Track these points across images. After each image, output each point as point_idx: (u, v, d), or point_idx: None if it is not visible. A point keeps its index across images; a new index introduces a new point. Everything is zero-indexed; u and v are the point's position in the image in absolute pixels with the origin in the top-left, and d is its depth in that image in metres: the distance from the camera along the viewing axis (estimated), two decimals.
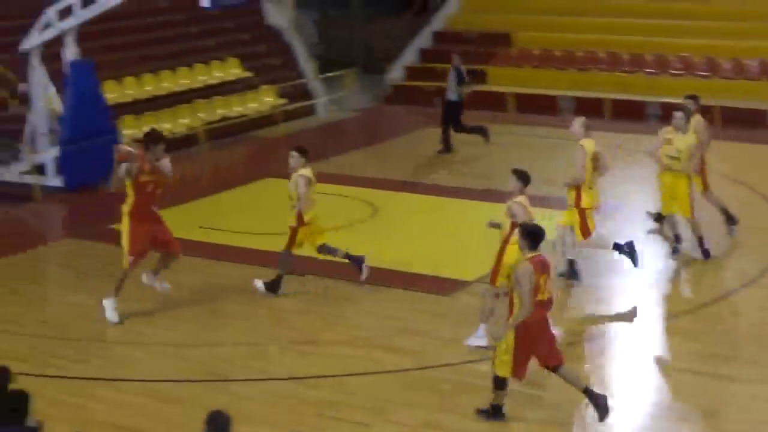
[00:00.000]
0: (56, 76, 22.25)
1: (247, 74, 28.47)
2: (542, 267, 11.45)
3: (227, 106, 27.03)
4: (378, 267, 16.60)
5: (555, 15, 31.08)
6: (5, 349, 14.07)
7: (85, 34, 22.78)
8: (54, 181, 21.79)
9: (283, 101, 27.98)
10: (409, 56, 31.89)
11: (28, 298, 15.97)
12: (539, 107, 28.11)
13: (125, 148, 15.36)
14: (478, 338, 13.65)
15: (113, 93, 25.14)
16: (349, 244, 16.85)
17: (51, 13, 21.62)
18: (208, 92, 27.22)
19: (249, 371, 13.34)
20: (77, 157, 21.70)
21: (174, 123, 25.61)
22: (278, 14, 30.35)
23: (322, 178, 19.89)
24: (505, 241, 13.44)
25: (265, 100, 28.01)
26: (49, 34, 21.73)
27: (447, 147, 24.03)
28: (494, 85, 29.48)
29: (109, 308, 14.93)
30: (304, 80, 30.04)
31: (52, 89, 22.18)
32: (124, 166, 14.76)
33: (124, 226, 14.95)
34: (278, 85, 28.31)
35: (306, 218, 15.54)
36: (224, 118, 26.56)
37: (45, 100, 22.23)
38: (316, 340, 14.29)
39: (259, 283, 15.65)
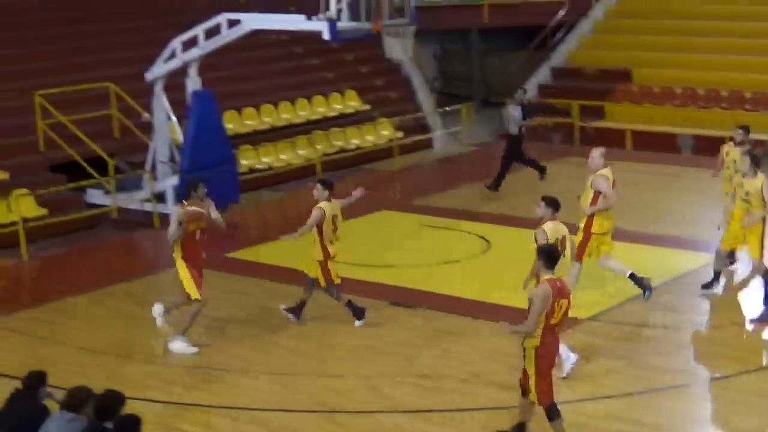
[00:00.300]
0: (178, 105, 22.65)
1: (365, 107, 28.71)
2: (560, 292, 11.37)
3: (344, 138, 27.26)
4: (489, 302, 16.62)
5: (676, 52, 30.79)
6: (120, 374, 14.32)
7: (208, 64, 23.19)
8: (172, 209, 22.07)
9: (399, 134, 28.11)
10: (528, 92, 31.75)
11: (143, 324, 16.21)
12: (657, 145, 27.82)
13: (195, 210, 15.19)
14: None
15: (233, 123, 25.57)
16: (461, 279, 16.90)
17: (176, 43, 22.07)
18: (326, 124, 27.50)
19: (359, 403, 13.35)
20: None
21: (292, 154, 25.91)
22: (398, 48, 30.56)
23: (437, 212, 20.06)
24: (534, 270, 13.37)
25: (382, 133, 28.17)
26: (173, 65, 22.17)
27: (497, 184, 23.77)
28: (612, 122, 29.29)
29: (181, 346, 15.03)
30: (422, 114, 30.18)
31: (174, 119, 22.60)
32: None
33: (182, 271, 15.04)
34: (396, 118, 28.46)
35: (331, 251, 15.56)
36: (341, 150, 26.78)
37: (167, 129, 22.67)
38: (428, 374, 14.26)
39: (283, 307, 15.89)
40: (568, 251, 14.09)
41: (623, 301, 16.68)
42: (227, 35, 21.41)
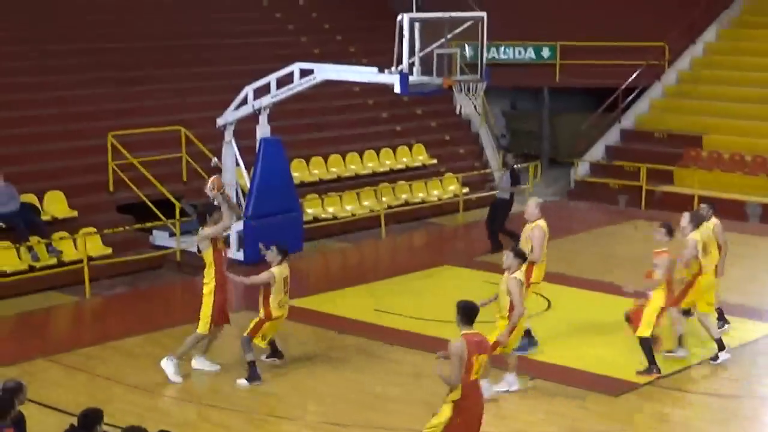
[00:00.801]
0: (247, 152, 22.85)
1: (432, 161, 28.78)
2: (477, 346, 11.41)
3: (410, 192, 27.31)
4: (548, 362, 16.55)
5: (748, 119, 30.57)
6: (174, 414, 14.39)
7: (278, 112, 23.40)
8: (235, 254, 22.25)
9: (465, 190, 28.10)
10: (596, 152, 31.73)
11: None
12: (725, 212, 27.48)
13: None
14: None
15: (299, 172, 25.73)
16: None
17: (248, 90, 22.29)
18: (392, 176, 27.59)
19: None
20: (259, 233, 22.13)
21: (357, 205, 26.00)
22: (468, 103, 30.56)
23: (499, 269, 19.97)
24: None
25: (448, 188, 28.20)
26: (244, 111, 22.38)
27: (496, 245, 23.33)
28: (680, 186, 29.09)
29: (170, 368, 15.72)
30: (489, 170, 30.18)
31: (242, 164, 22.78)
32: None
33: (209, 297, 15.85)
34: (462, 173, 28.47)
35: (275, 314, 15.83)
36: (406, 203, 26.84)
37: (234, 174, 22.85)
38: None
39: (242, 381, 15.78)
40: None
41: (685, 368, 16.50)
42: (299, 84, 21.59)
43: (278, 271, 15.85)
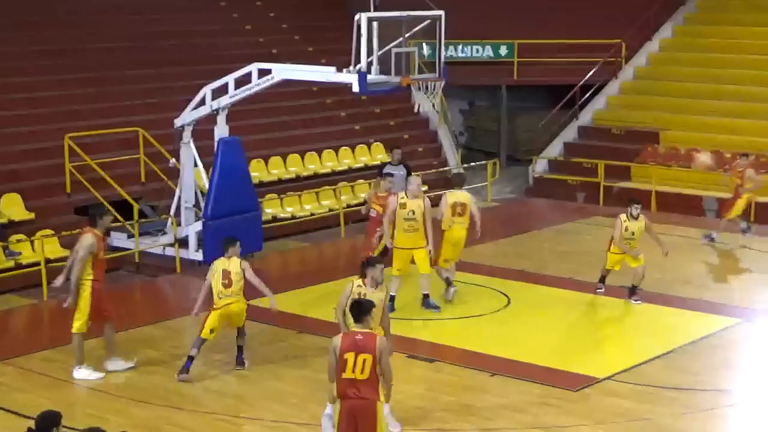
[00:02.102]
0: (205, 152, 22.79)
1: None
2: (352, 345, 11.32)
3: (369, 190, 27.25)
4: (508, 358, 16.63)
5: (704, 115, 30.81)
6: (135, 416, 14.34)
7: (236, 113, 23.35)
8: (194, 255, 22.22)
9: (424, 188, 28.04)
10: (554, 149, 31.90)
11: (160, 369, 16.25)
12: (682, 207, 27.77)
13: None
14: None
15: (258, 172, 25.70)
16: (481, 334, 16.85)
17: (206, 91, 22.23)
18: (352, 175, 27.61)
19: None
20: (219, 233, 22.07)
21: (316, 204, 26.01)
22: (426, 102, 30.59)
23: (459, 267, 20.06)
24: None
25: None
26: (202, 112, 22.31)
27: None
28: (638, 182, 29.27)
29: (83, 374, 15.93)
30: (447, 168, 30.26)
31: (200, 165, 22.72)
32: None
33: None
34: (420, 172, 28.46)
35: (215, 304, 16.04)
36: (366, 202, 26.79)
37: (193, 175, 22.79)
38: (445, 428, 14.25)
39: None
40: None
41: (643, 362, 16.63)
42: (257, 84, 21.52)
43: (217, 262, 16.07)
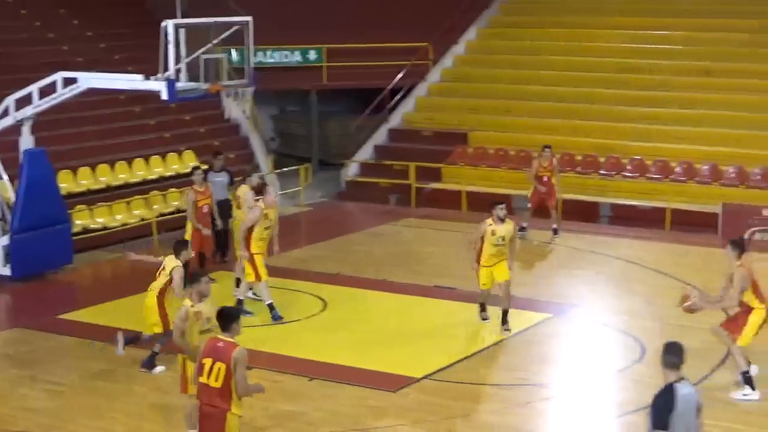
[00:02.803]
0: (11, 164, 22.23)
1: (203, 167, 28.49)
2: (212, 351, 11.30)
3: (181, 199, 27.00)
4: (326, 362, 16.66)
5: (510, 115, 31.46)
6: None
7: (42, 123, 22.84)
8: (2, 269, 21.64)
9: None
10: (365, 152, 32.11)
11: None
12: (492, 206, 28.17)
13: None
14: None
15: (67, 183, 25.16)
16: (298, 338, 16.85)
17: (9, 101, 21.66)
18: (163, 184, 27.27)
19: None
20: (27, 247, 21.61)
21: (127, 214, 25.61)
22: (236, 108, 30.54)
23: (274, 272, 20.02)
24: None
25: None
26: (6, 123, 21.74)
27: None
28: (449, 183, 29.68)
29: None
30: (260, 174, 30.08)
31: (5, 177, 22.14)
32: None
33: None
34: (234, 178, 28.30)
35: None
36: (178, 210, 26.54)
37: None
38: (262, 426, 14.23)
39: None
40: None
41: (460, 359, 16.87)
42: (62, 94, 21.11)
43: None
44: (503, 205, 18.42)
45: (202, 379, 11.29)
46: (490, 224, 18.24)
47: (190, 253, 17.00)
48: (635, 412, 14.41)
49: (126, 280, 22.61)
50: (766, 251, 24.21)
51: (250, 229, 18.72)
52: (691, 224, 25.95)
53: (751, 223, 25.00)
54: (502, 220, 18.22)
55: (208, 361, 11.26)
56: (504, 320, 18.08)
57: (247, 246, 18.70)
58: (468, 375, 16.27)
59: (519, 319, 18.63)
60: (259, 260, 18.76)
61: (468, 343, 17.65)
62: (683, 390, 9.99)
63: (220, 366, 11.18)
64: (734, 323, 15.42)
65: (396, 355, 17.29)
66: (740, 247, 15.36)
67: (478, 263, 18.11)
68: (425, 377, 16.08)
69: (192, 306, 13.36)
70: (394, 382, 15.91)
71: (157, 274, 16.23)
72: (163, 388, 15.81)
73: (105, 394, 15.64)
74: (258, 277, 18.83)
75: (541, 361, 17.04)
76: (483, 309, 18.49)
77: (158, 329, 16.19)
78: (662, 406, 9.93)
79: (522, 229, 24.26)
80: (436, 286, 20.86)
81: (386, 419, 14.64)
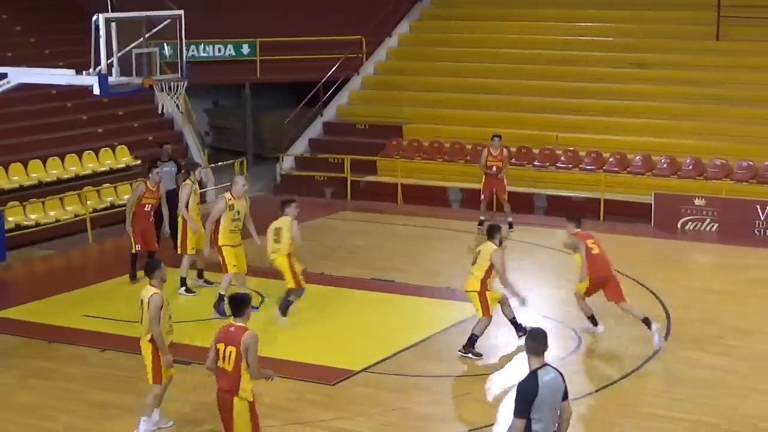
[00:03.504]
0: None
1: (136, 162, 28.36)
2: (224, 336, 11.81)
3: (115, 194, 26.83)
4: (263, 356, 16.58)
5: (444, 107, 31.55)
6: None
7: None
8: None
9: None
10: (300, 146, 32.05)
11: None
12: (428, 198, 28.37)
13: None
14: None
15: None
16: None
17: None
18: (96, 180, 27.05)
19: None
20: None
21: (61, 210, 25.38)
22: (170, 102, 30.27)
23: (209, 267, 19.95)
24: None
25: None
26: None
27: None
28: (384, 176, 29.72)
29: None
30: (200, 168, 29.93)
31: None
32: None
33: None
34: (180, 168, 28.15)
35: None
36: (112, 206, 26.34)
37: None
38: (207, 429, 14.15)
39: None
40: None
41: (399, 351, 16.92)
42: None
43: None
44: None
45: (219, 364, 11.78)
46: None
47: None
48: (575, 401, 14.53)
49: (60, 277, 22.47)
50: (699, 240, 24.62)
51: (218, 222, 18.82)
52: (624, 214, 26.21)
53: (683, 213, 25.32)
54: None
55: (221, 346, 11.75)
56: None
57: (215, 239, 18.88)
58: (406, 367, 16.33)
59: (455, 310, 18.71)
60: (228, 252, 18.87)
61: (406, 335, 17.68)
62: (545, 377, 10.11)
63: (231, 350, 11.67)
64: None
65: (334, 348, 17.31)
66: (575, 219, 17.91)
67: None
68: (364, 370, 16.10)
69: (157, 292, 13.53)
70: (332, 375, 15.92)
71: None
72: (101, 386, 15.72)
73: (41, 391, 15.49)
74: (225, 269, 18.95)
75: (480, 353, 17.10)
76: None
77: (291, 285, 18.15)
78: (524, 393, 10.09)
79: (480, 223, 24.46)
80: (373, 278, 20.89)
81: (326, 412, 14.64)
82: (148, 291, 13.57)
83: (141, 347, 14.01)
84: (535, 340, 10.24)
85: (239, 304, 11.86)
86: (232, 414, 11.80)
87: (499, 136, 25.33)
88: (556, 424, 10.22)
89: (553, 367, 10.24)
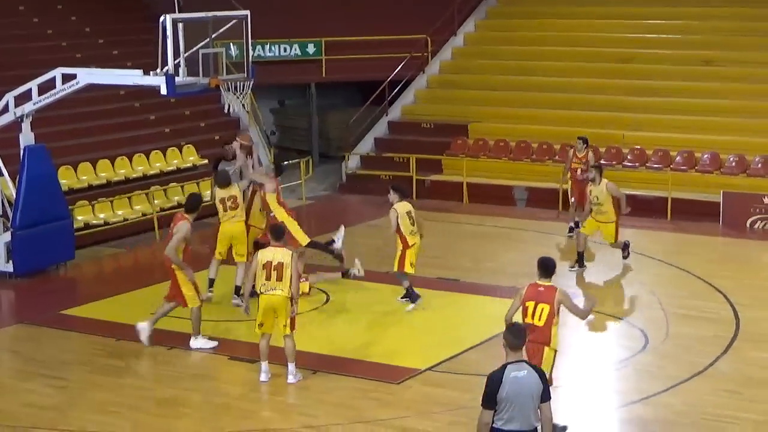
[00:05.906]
0: (11, 160, 22.23)
1: (203, 161, 28.56)
2: (534, 294, 13.04)
3: (182, 194, 27.01)
4: (330, 354, 16.66)
5: (509, 106, 31.44)
6: None
7: (42, 119, 22.84)
8: (4, 266, 21.63)
9: None
10: (366, 145, 32.10)
11: None
12: (493, 197, 28.29)
13: None
14: None
15: (68, 178, 25.17)
16: (302, 331, 16.83)
17: (9, 98, 21.65)
18: (163, 179, 27.28)
19: None
20: (29, 243, 21.60)
21: (129, 209, 25.62)
22: (236, 102, 30.45)
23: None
24: None
25: None
26: (6, 119, 21.73)
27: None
28: (449, 175, 29.69)
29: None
30: (260, 168, 30.08)
31: (6, 174, 22.14)
32: None
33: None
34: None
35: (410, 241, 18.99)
36: (179, 205, 26.51)
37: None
38: (271, 428, 14.21)
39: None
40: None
41: (465, 350, 16.89)
42: (62, 90, 21.09)
43: (400, 207, 18.72)
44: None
45: (528, 320, 12.86)
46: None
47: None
48: (640, 401, 14.47)
49: (128, 275, 22.70)
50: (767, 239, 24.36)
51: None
52: (692, 213, 25.96)
53: (752, 211, 25.05)
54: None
55: (531, 304, 12.94)
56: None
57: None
58: (471, 366, 16.26)
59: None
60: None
61: (470, 335, 17.63)
62: (515, 372, 10.20)
63: (543, 307, 12.92)
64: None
65: (400, 347, 17.32)
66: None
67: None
68: (429, 369, 16.08)
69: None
70: (397, 374, 15.92)
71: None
72: (166, 383, 15.85)
73: (109, 389, 15.64)
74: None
75: None
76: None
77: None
78: (489, 383, 10.26)
79: (571, 230, 24.14)
80: (438, 278, 20.86)
81: (390, 411, 14.64)
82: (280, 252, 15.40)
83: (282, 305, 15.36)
84: (514, 335, 10.47)
85: (546, 268, 13.11)
86: (542, 361, 12.81)
87: (584, 138, 24.63)
88: (535, 427, 10.19)
89: (533, 366, 10.34)
